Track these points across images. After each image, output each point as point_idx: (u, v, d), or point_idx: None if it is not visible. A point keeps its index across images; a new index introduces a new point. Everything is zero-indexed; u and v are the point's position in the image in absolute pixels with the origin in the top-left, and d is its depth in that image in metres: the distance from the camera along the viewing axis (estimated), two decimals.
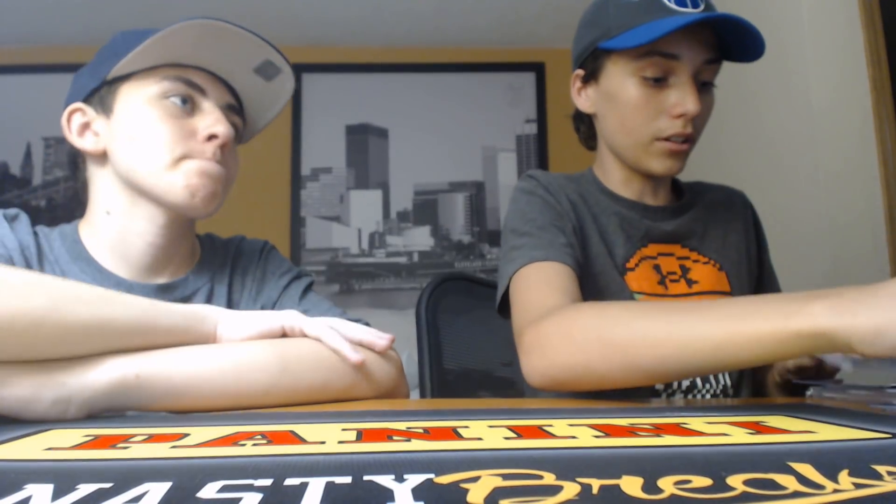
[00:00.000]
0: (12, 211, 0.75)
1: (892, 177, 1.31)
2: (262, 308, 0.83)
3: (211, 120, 0.75)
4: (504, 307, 0.82)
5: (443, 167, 2.93)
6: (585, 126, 0.97)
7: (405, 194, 2.93)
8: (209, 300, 0.81)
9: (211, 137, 0.75)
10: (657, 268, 0.90)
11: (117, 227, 0.77)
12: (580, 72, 0.91)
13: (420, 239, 2.91)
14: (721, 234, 0.95)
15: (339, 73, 2.94)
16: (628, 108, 0.84)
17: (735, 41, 0.82)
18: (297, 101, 2.88)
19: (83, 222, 0.79)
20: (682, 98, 0.81)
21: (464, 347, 1.17)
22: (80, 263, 0.75)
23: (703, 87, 0.84)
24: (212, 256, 0.85)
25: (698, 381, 0.88)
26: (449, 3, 2.64)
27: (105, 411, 0.52)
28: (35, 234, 0.75)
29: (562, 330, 0.65)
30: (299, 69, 2.91)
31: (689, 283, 0.90)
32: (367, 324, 0.78)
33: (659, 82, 0.82)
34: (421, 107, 2.96)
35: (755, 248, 0.98)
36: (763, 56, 0.83)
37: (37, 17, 2.65)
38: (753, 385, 0.94)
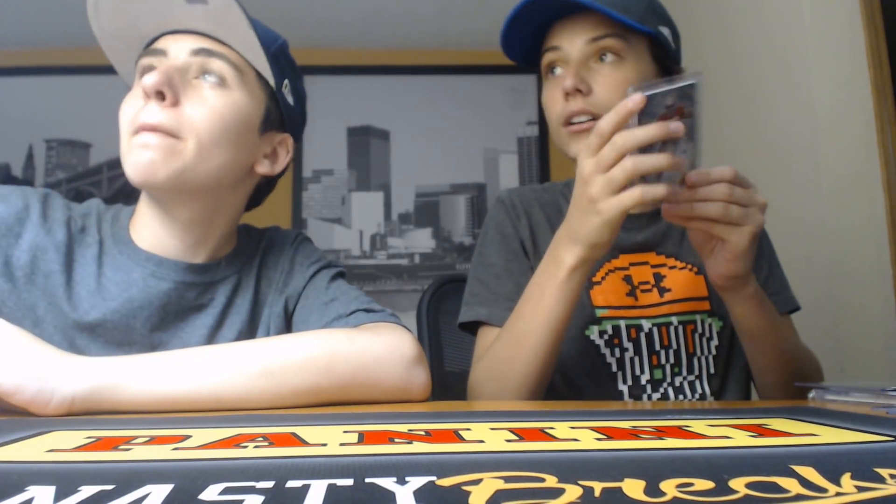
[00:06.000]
0: (42, 191, 0.76)
1: (894, 179, 1.31)
2: (287, 300, 0.82)
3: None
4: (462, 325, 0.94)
5: (444, 169, 2.93)
6: None
7: (406, 196, 2.93)
8: (235, 291, 0.79)
9: (147, 96, 0.69)
10: (628, 279, 0.89)
11: (147, 216, 0.76)
12: None
13: (421, 241, 2.91)
14: None
15: (340, 76, 2.94)
16: (544, 107, 0.90)
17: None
18: None
19: (136, 209, 0.80)
20: (563, 78, 0.85)
21: (465, 349, 1.17)
22: (119, 246, 0.75)
23: (606, 61, 0.85)
24: (244, 247, 0.83)
25: (670, 392, 0.86)
26: (450, 5, 2.64)
27: (85, 411, 0.54)
28: (48, 206, 0.75)
29: (472, 388, 0.84)
30: (301, 71, 2.92)
31: (662, 291, 0.89)
32: (393, 314, 0.77)
33: (556, 74, 0.88)
34: (422, 109, 2.96)
35: None
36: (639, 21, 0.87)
37: (38, 20, 2.66)
38: (741, 390, 0.91)
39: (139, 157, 0.68)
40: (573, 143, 0.86)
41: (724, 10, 1.79)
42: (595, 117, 0.83)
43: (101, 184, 2.84)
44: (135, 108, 0.70)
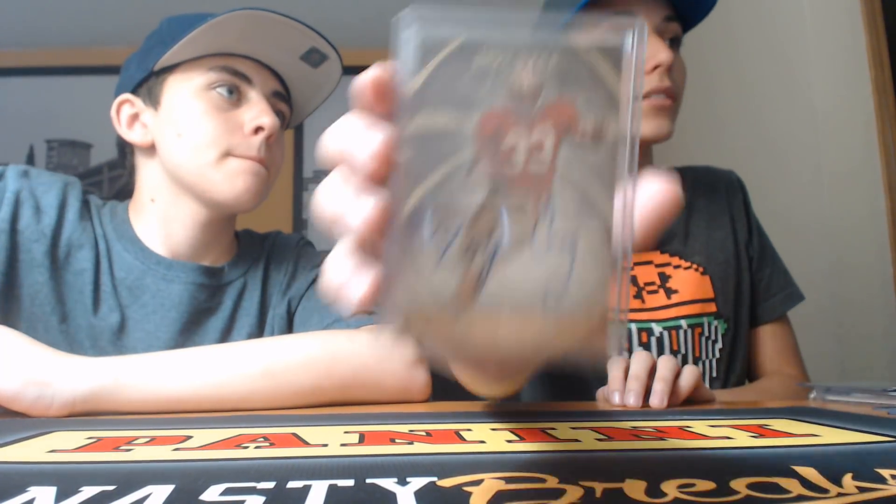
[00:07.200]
0: (80, 184, 0.78)
1: (894, 178, 1.31)
2: (290, 301, 0.83)
3: (256, 111, 0.75)
4: None
5: None
6: None
7: None
8: (241, 294, 0.80)
9: (257, 130, 0.74)
10: (633, 279, 0.87)
11: (161, 215, 0.77)
12: None
13: None
14: (704, 232, 0.91)
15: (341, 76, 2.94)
16: None
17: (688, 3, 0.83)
18: None
19: (131, 204, 0.80)
20: (654, 51, 0.79)
21: None
22: (123, 242, 0.76)
23: (672, 45, 0.83)
24: (248, 251, 0.85)
25: None
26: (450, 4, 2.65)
27: (86, 413, 0.54)
28: (87, 203, 0.77)
29: None
30: None
31: (668, 293, 0.87)
32: None
33: None
34: None
35: (745, 233, 0.93)
36: (709, 15, 0.85)
37: (38, 20, 2.66)
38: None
39: (248, 185, 0.75)
40: (650, 119, 0.80)
41: (725, 9, 1.79)
42: (671, 97, 0.81)
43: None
44: (226, 130, 0.74)
